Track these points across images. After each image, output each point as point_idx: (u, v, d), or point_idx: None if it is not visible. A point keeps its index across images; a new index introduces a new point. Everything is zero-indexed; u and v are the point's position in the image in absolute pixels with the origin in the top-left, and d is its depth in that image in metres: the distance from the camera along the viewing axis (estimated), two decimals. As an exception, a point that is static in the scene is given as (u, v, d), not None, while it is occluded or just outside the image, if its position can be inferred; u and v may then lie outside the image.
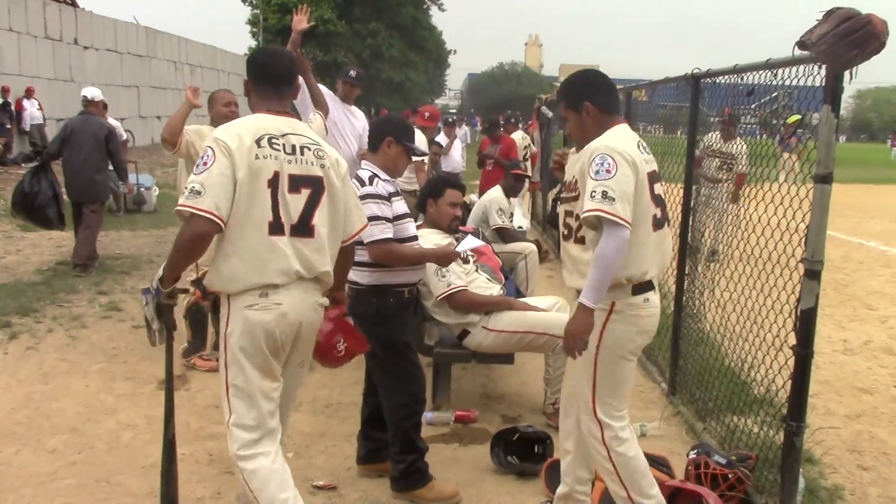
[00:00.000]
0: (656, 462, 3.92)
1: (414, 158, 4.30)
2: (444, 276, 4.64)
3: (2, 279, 8.04)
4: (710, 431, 4.56)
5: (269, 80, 3.13)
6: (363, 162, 3.94)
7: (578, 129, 3.29)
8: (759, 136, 5.51)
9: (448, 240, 4.60)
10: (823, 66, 3.11)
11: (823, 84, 3.15)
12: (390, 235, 3.65)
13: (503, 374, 5.68)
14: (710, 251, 5.53)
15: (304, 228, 2.98)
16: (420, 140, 7.05)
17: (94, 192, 8.68)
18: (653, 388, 5.57)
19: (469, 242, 4.40)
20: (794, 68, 3.52)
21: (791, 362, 3.37)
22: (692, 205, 5.20)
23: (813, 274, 3.21)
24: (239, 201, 2.86)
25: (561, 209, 3.37)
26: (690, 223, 5.20)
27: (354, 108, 6.70)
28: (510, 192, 7.55)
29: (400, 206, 3.78)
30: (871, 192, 21.11)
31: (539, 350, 4.78)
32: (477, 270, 5.01)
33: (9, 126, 17.84)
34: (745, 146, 8.01)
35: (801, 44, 3.08)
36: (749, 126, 6.69)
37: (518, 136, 11.47)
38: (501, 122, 11.75)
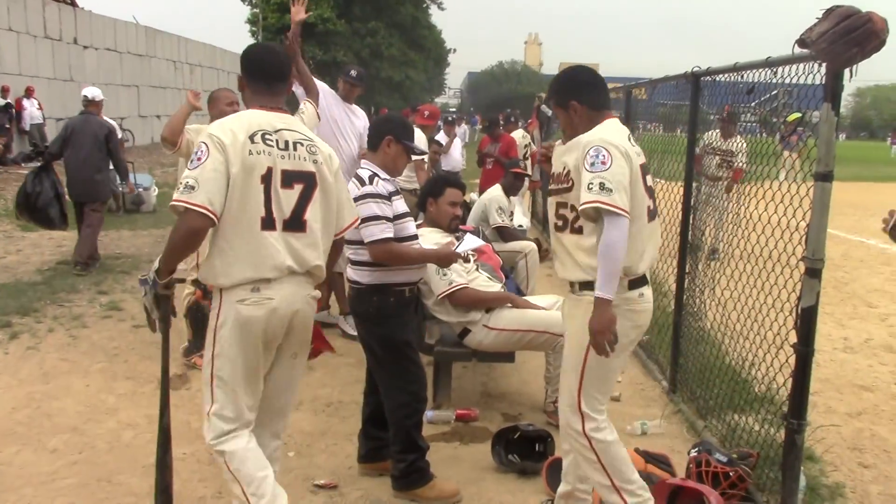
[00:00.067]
0: (657, 460, 3.93)
1: (414, 157, 4.30)
2: (445, 275, 4.65)
3: (2, 279, 8.05)
4: (711, 429, 4.56)
5: (263, 76, 3.18)
6: (363, 161, 3.94)
7: (568, 126, 3.33)
8: (759, 135, 5.50)
9: (448, 239, 4.61)
10: (823, 64, 3.11)
11: (823, 82, 3.15)
12: (391, 235, 3.65)
13: (504, 373, 5.68)
14: (710, 249, 5.53)
15: (296, 223, 3.03)
16: (420, 139, 7.05)
17: (94, 192, 8.71)
18: (653, 387, 5.57)
19: (470, 242, 4.40)
20: (794, 66, 3.52)
21: (792, 360, 3.37)
22: (692, 203, 5.20)
23: (813, 272, 3.21)
24: (232, 196, 2.90)
25: (552, 200, 3.38)
26: (691, 221, 5.21)
27: (356, 107, 6.70)
28: (510, 191, 7.55)
29: (400, 205, 3.78)
30: (870, 189, 21.09)
31: (540, 348, 4.78)
32: (477, 269, 5.01)
33: (8, 126, 17.84)
34: (744, 143, 8.01)
35: (801, 42, 3.08)
36: (749, 124, 6.69)
37: (518, 135, 11.47)
38: (501, 121, 11.74)
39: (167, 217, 12.04)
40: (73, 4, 23.16)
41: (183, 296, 5.28)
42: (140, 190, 13.20)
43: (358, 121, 6.58)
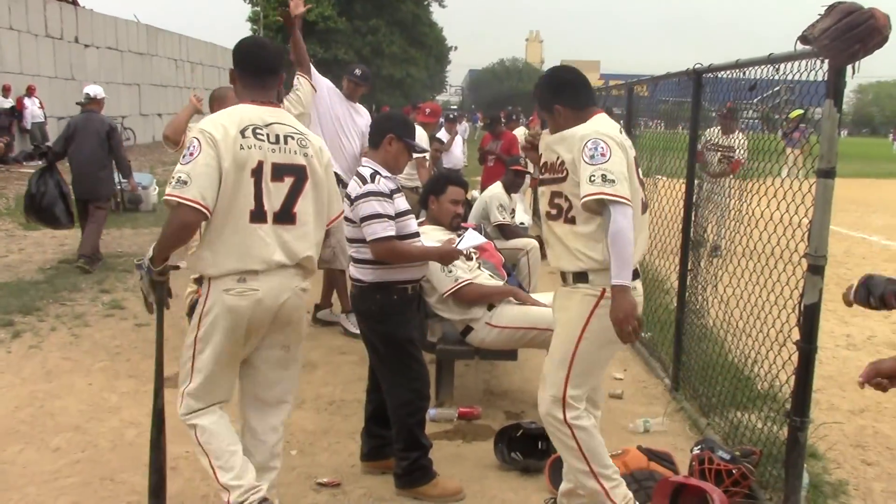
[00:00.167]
0: (660, 458, 3.92)
1: (415, 155, 4.30)
2: (451, 272, 4.66)
3: (5, 278, 8.05)
4: (714, 427, 4.56)
5: (254, 70, 3.23)
6: (364, 159, 3.93)
7: (555, 128, 3.37)
8: (761, 132, 5.50)
9: (449, 237, 4.60)
10: (826, 61, 3.11)
11: (826, 79, 3.14)
12: (393, 233, 3.64)
13: (506, 371, 5.68)
14: (712, 246, 5.53)
15: (286, 216, 3.10)
16: (421, 137, 7.04)
17: (99, 189, 8.75)
18: (656, 384, 5.57)
19: (470, 239, 4.39)
20: (797, 63, 3.52)
21: (794, 357, 3.37)
22: (695, 200, 5.20)
23: (816, 269, 3.21)
24: (224, 190, 2.97)
25: (545, 190, 3.40)
26: (693, 218, 5.20)
27: (359, 106, 6.71)
28: (510, 188, 7.55)
29: (401, 202, 3.78)
30: (872, 186, 21.08)
31: (542, 346, 4.76)
32: (479, 267, 5.01)
33: (9, 125, 17.86)
34: (744, 138, 8.01)
35: (804, 38, 3.07)
36: (751, 121, 6.69)
37: (520, 133, 11.46)
38: (503, 119, 11.74)
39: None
40: (75, 3, 23.18)
41: (185, 294, 5.28)
42: (140, 189, 13.18)
43: (361, 119, 6.58)
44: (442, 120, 11.23)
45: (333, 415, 4.85)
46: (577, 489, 3.49)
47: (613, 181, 3.03)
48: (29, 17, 19.81)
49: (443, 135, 11.43)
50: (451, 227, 4.83)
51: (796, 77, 3.57)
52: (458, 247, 4.08)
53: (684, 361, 5.24)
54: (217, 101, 5.56)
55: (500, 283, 5.03)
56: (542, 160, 3.41)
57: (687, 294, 5.23)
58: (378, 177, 3.71)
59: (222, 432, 3.19)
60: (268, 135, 3.09)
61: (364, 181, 3.69)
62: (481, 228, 6.67)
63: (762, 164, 4.16)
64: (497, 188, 7.46)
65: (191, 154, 2.95)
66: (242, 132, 3.03)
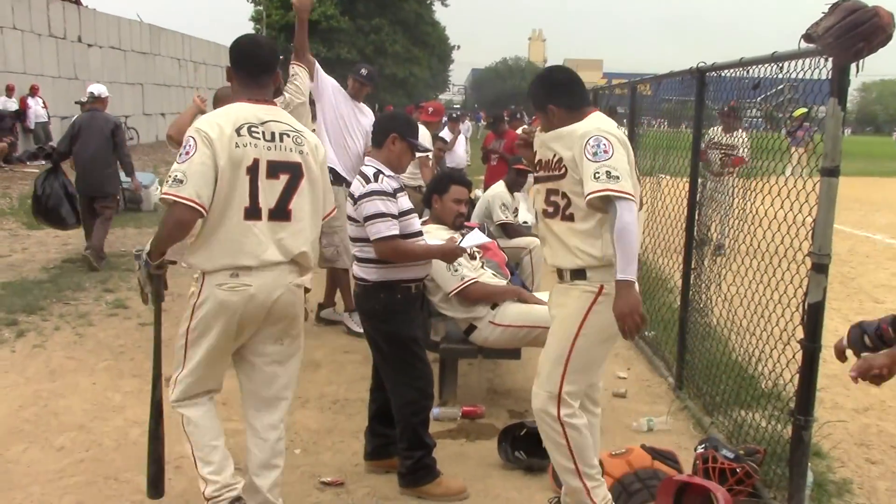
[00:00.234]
0: (664, 457, 3.92)
1: (418, 154, 4.30)
2: (456, 271, 4.65)
3: (8, 277, 8.06)
4: (718, 426, 4.56)
5: (250, 68, 3.26)
6: (367, 158, 3.94)
7: (548, 127, 3.38)
8: (764, 130, 5.49)
9: (451, 236, 4.60)
10: (830, 59, 3.11)
11: (830, 77, 3.14)
12: (396, 232, 3.65)
13: (510, 370, 5.68)
14: (716, 245, 5.52)
15: (281, 213, 3.15)
16: (424, 136, 7.05)
17: (105, 186, 8.78)
18: (660, 383, 5.57)
19: (473, 238, 4.39)
20: (800, 61, 3.51)
21: (798, 356, 3.37)
22: (698, 199, 5.19)
23: (820, 268, 3.20)
24: (220, 188, 3.02)
25: (540, 188, 3.40)
26: (696, 217, 5.19)
27: (363, 105, 6.71)
28: (513, 187, 7.54)
29: (404, 201, 3.78)
30: (876, 184, 21.03)
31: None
32: (483, 266, 5.01)
33: (13, 126, 17.87)
34: (746, 137, 8.00)
35: (808, 36, 3.07)
36: (755, 120, 6.68)
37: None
38: (506, 117, 11.73)
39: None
40: (78, 3, 23.19)
41: (189, 293, 5.28)
42: (142, 188, 13.19)
43: (365, 118, 6.58)
44: (445, 119, 11.23)
45: (337, 414, 4.85)
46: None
47: (618, 177, 3.04)
48: (32, 16, 19.84)
49: (446, 134, 11.44)
50: (454, 226, 4.83)
51: (800, 75, 3.57)
52: (461, 245, 4.08)
53: (688, 360, 5.24)
54: (221, 101, 5.55)
55: (504, 281, 5.03)
56: (537, 158, 3.42)
57: (690, 293, 5.22)
58: (381, 176, 3.71)
59: (207, 426, 3.30)
60: (263, 132, 3.13)
61: (367, 180, 3.69)
62: (484, 227, 6.67)
63: (766, 162, 4.15)
64: (499, 187, 7.46)
65: (186, 153, 3.01)
66: (238, 130, 3.07)
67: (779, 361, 3.86)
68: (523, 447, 4.17)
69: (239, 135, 3.07)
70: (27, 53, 19.53)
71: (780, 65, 3.77)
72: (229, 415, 4.51)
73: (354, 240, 3.79)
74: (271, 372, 3.32)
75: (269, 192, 3.12)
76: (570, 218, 3.25)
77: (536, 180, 3.46)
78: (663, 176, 6.27)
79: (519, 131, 11.18)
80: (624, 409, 5.01)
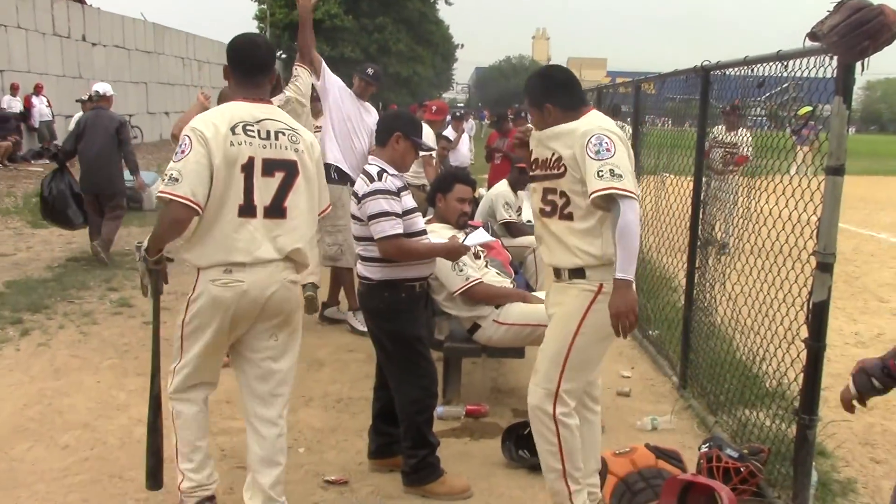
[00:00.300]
0: (668, 456, 3.91)
1: (422, 153, 4.30)
2: (461, 271, 4.65)
3: (13, 276, 8.08)
4: (722, 425, 4.55)
5: (246, 67, 3.30)
6: (370, 157, 3.94)
7: (542, 125, 3.37)
8: (768, 128, 5.48)
9: (453, 234, 4.60)
10: (834, 58, 3.10)
11: (834, 75, 3.13)
12: (400, 231, 3.64)
13: (513, 368, 5.68)
14: (720, 244, 5.51)
15: (276, 210, 3.19)
16: (428, 135, 7.04)
17: (111, 184, 8.81)
18: (664, 382, 5.56)
19: (477, 237, 4.39)
20: (805, 60, 3.51)
21: (803, 355, 3.36)
22: (702, 197, 5.18)
23: (825, 267, 3.20)
24: (216, 186, 3.06)
25: (537, 187, 3.40)
26: (701, 216, 5.19)
27: (368, 105, 6.72)
28: (516, 186, 7.53)
29: (408, 200, 3.78)
30: (880, 183, 20.99)
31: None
32: (486, 265, 5.00)
33: (17, 125, 17.90)
34: (748, 135, 7.99)
35: (813, 35, 3.06)
36: (759, 118, 6.68)
37: (526, 130, 11.42)
38: (510, 116, 11.71)
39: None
40: (82, 2, 23.23)
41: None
42: (145, 187, 13.17)
43: (370, 118, 6.58)
44: (449, 118, 11.21)
45: (341, 412, 4.86)
46: (585, 487, 3.49)
47: (621, 176, 3.05)
48: (36, 15, 19.87)
49: (449, 133, 11.42)
50: (458, 225, 4.83)
51: (805, 74, 3.56)
52: (465, 243, 4.08)
53: (692, 359, 5.23)
54: (225, 100, 5.54)
55: (508, 280, 5.02)
56: (533, 156, 3.41)
57: (695, 292, 5.21)
58: (385, 175, 3.71)
59: (196, 426, 3.37)
60: (258, 131, 3.16)
61: (371, 179, 3.69)
62: (488, 226, 6.67)
63: (771, 161, 4.14)
64: (503, 186, 7.45)
65: (182, 152, 3.04)
66: (233, 129, 3.11)
67: (783, 360, 3.86)
68: (527, 446, 4.16)
69: (234, 133, 3.10)
70: (31, 52, 19.57)
71: (785, 63, 3.76)
72: (233, 413, 4.52)
73: (358, 238, 3.79)
74: (267, 368, 3.34)
75: (265, 190, 3.15)
76: (569, 217, 3.24)
77: (532, 179, 3.45)
78: (667, 175, 6.26)
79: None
80: (628, 408, 5.01)
